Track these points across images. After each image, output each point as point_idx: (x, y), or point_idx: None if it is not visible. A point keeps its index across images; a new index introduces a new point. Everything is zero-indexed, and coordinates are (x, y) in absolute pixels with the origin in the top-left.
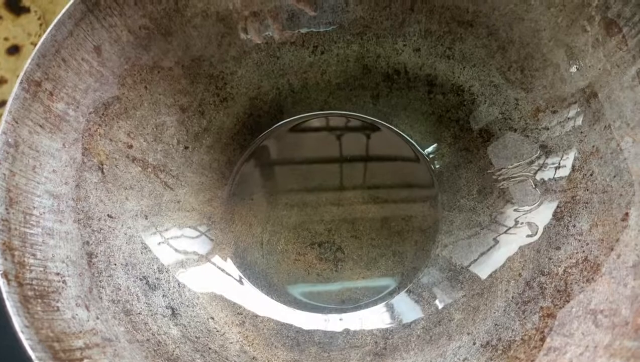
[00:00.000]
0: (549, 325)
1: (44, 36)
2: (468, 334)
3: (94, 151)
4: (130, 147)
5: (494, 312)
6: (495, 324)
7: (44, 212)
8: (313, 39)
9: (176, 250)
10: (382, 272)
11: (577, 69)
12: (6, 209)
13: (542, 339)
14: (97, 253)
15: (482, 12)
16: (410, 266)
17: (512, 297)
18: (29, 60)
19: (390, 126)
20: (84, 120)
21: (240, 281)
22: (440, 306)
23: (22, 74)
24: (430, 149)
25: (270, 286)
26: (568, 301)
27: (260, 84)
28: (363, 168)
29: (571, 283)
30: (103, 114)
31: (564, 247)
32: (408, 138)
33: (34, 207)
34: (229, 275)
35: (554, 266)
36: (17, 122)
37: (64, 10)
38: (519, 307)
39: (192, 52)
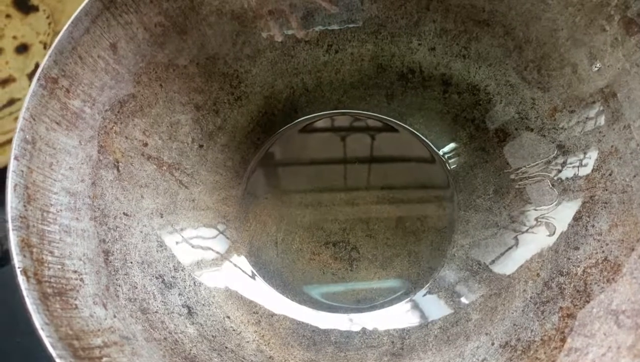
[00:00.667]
0: (569, 325)
1: (61, 33)
2: (486, 334)
3: (109, 149)
4: (146, 145)
5: (512, 313)
6: (514, 324)
7: (61, 210)
8: (327, 38)
9: (192, 248)
10: (398, 272)
11: (597, 68)
12: (24, 206)
13: (563, 340)
14: (113, 251)
15: (499, 11)
16: (426, 266)
17: (531, 298)
18: (46, 57)
19: (405, 126)
20: (99, 118)
21: (255, 280)
22: (457, 306)
23: (39, 70)
24: (445, 149)
25: (285, 285)
26: (588, 302)
27: (275, 83)
28: (377, 168)
29: (591, 283)
30: (119, 112)
31: (583, 247)
32: (423, 138)
33: (51, 205)
34: (244, 273)
35: (573, 266)
36: (34, 119)
37: (81, 7)
38: (537, 308)
39: (207, 51)
